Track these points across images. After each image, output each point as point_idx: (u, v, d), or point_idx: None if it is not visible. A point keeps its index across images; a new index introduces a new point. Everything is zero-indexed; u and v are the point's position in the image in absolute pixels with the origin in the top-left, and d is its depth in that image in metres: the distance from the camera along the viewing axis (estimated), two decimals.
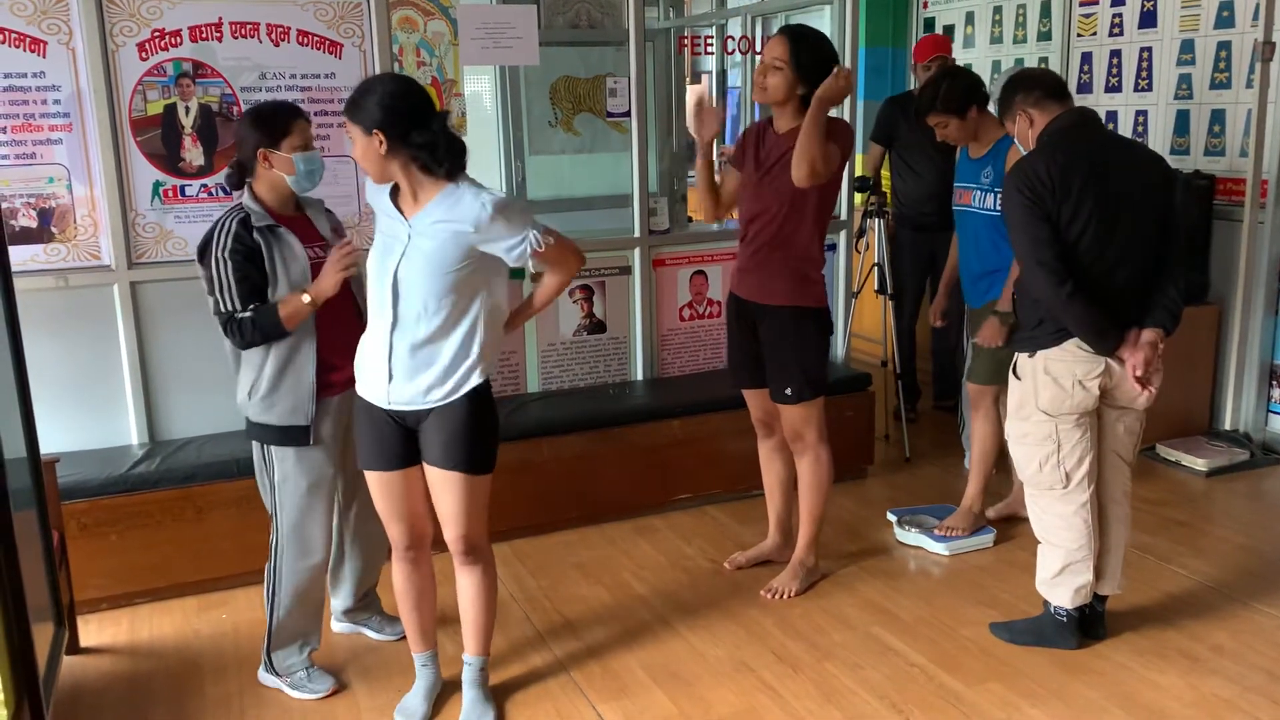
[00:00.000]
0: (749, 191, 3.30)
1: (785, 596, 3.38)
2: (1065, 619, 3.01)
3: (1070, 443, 2.87)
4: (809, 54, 3.06)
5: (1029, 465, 2.95)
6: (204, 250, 2.67)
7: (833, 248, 4.65)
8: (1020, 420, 2.95)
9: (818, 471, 3.37)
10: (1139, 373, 2.76)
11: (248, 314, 2.64)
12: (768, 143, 3.24)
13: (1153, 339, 2.77)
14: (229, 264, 2.63)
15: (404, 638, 2.99)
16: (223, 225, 2.66)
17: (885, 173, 5.13)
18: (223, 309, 2.65)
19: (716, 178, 3.43)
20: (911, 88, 5.10)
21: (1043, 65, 5.54)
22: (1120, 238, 2.76)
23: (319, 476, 2.80)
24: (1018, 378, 2.94)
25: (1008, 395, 3.04)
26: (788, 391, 3.28)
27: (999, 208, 3.50)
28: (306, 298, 2.65)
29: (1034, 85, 2.92)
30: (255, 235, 2.66)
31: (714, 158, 3.44)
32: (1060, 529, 2.95)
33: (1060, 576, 2.97)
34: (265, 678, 2.93)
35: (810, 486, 3.40)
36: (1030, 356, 2.89)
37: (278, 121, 2.72)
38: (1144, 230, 2.79)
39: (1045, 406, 2.86)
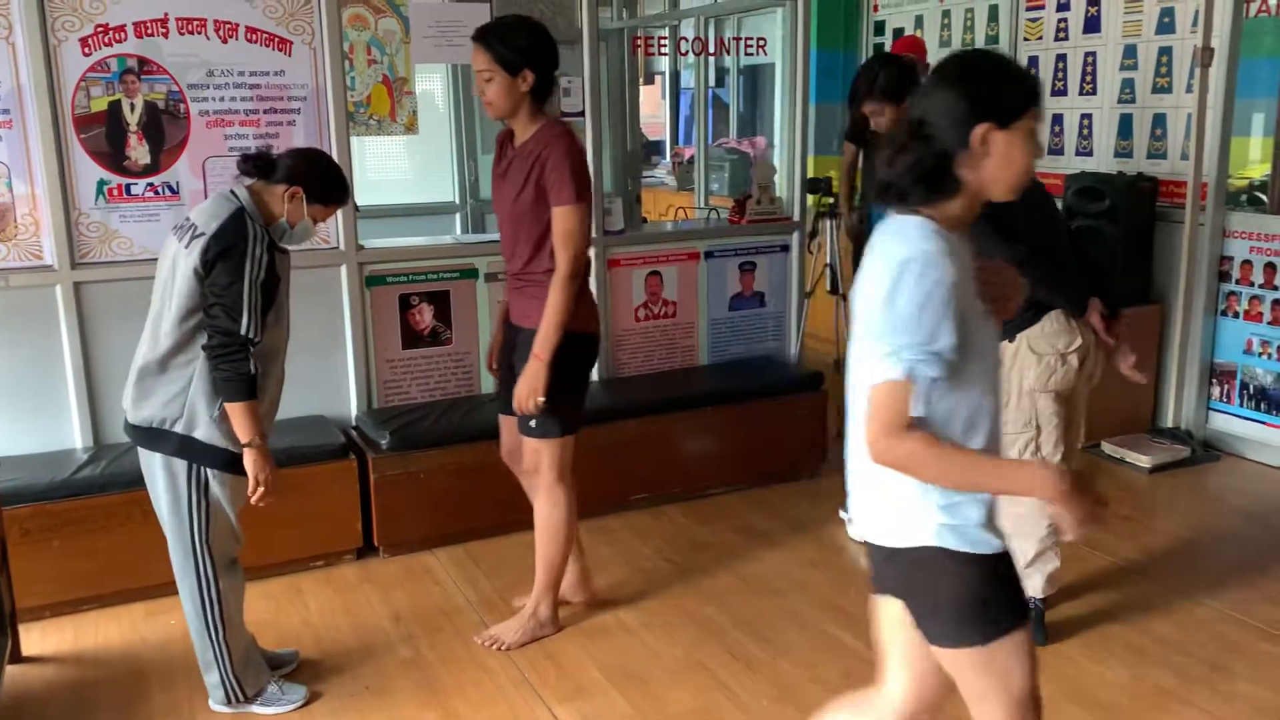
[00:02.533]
0: (495, 209, 3.08)
1: (502, 647, 3.08)
2: (1032, 611, 3.05)
3: (1049, 427, 2.94)
4: (507, 46, 2.77)
5: (1007, 455, 2.99)
6: (233, 258, 2.48)
7: (786, 248, 4.69)
8: None
9: (553, 515, 3.05)
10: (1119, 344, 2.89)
11: (254, 365, 2.52)
12: (506, 155, 2.96)
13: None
14: (261, 292, 2.51)
15: (297, 666, 2.97)
16: (254, 238, 2.51)
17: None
18: (245, 332, 2.50)
19: None
20: None
21: None
22: (1051, 231, 2.88)
23: (243, 500, 2.69)
24: None
25: None
26: (533, 424, 2.97)
27: None
28: (254, 442, 2.56)
29: None
30: (274, 253, 2.58)
31: None
32: (1033, 518, 2.99)
33: (1033, 566, 3.02)
34: (224, 709, 2.76)
35: (544, 530, 3.07)
36: (1011, 340, 2.94)
37: (336, 192, 2.70)
38: (1062, 229, 2.95)
39: (1031, 384, 2.92)
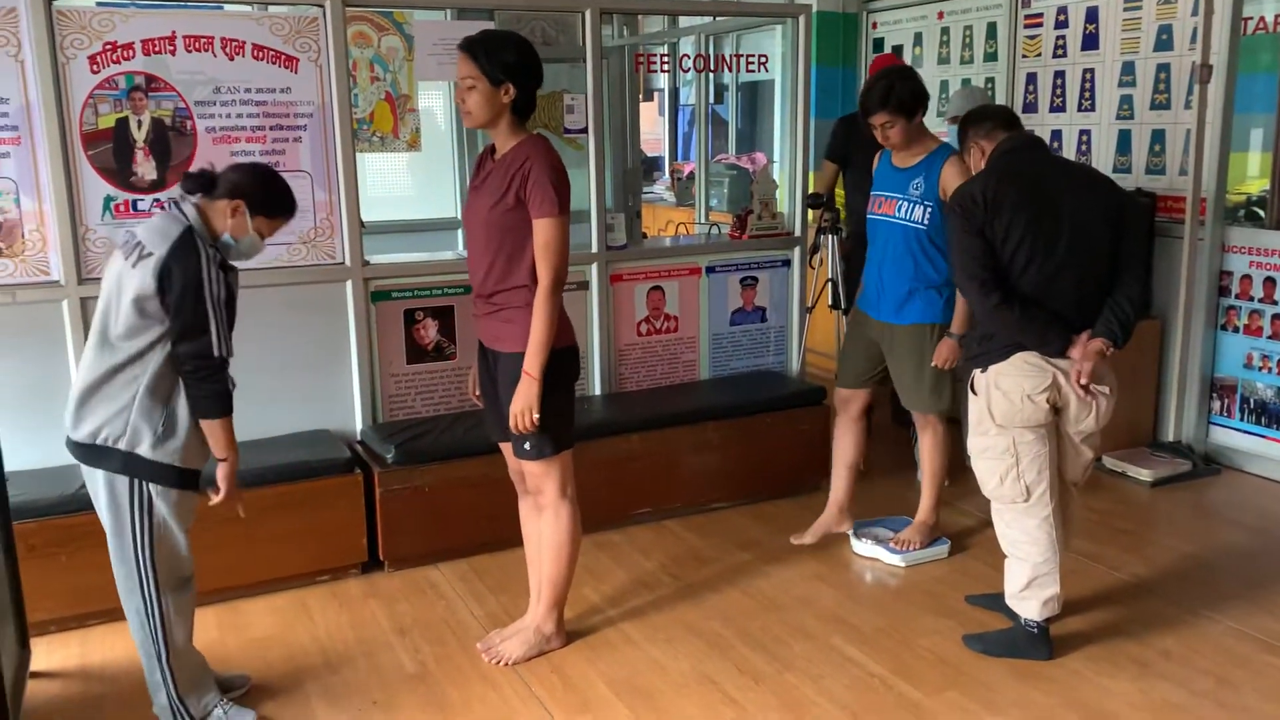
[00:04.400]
0: (465, 226, 3.08)
1: (504, 663, 3.09)
2: (1036, 630, 3.06)
3: (1029, 456, 2.94)
4: (497, 56, 2.78)
5: (990, 479, 3.01)
6: (190, 281, 2.49)
7: (787, 263, 4.71)
8: (979, 435, 3.01)
9: (557, 532, 3.05)
10: (1083, 380, 2.85)
11: (231, 381, 2.59)
12: (485, 168, 2.95)
13: (1099, 348, 2.86)
14: (225, 310, 2.54)
15: (247, 690, 2.93)
16: (206, 259, 2.51)
17: (840, 190, 5.19)
18: (218, 353, 2.53)
19: None
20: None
21: (989, 86, 5.67)
22: (1061, 252, 2.87)
23: (191, 518, 2.69)
24: (974, 393, 3.01)
25: (967, 411, 3.10)
26: (526, 446, 2.96)
27: (925, 221, 3.56)
28: (230, 458, 2.64)
29: (984, 118, 3.11)
30: (226, 271, 2.59)
31: None
32: (1025, 543, 3.01)
33: (1028, 589, 3.03)
34: None
35: (549, 548, 3.07)
36: (983, 372, 2.97)
37: (280, 205, 2.69)
38: (1089, 246, 2.89)
39: (999, 419, 2.94)
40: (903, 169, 3.65)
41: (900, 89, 3.47)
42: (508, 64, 2.79)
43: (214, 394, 2.56)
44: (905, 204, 3.61)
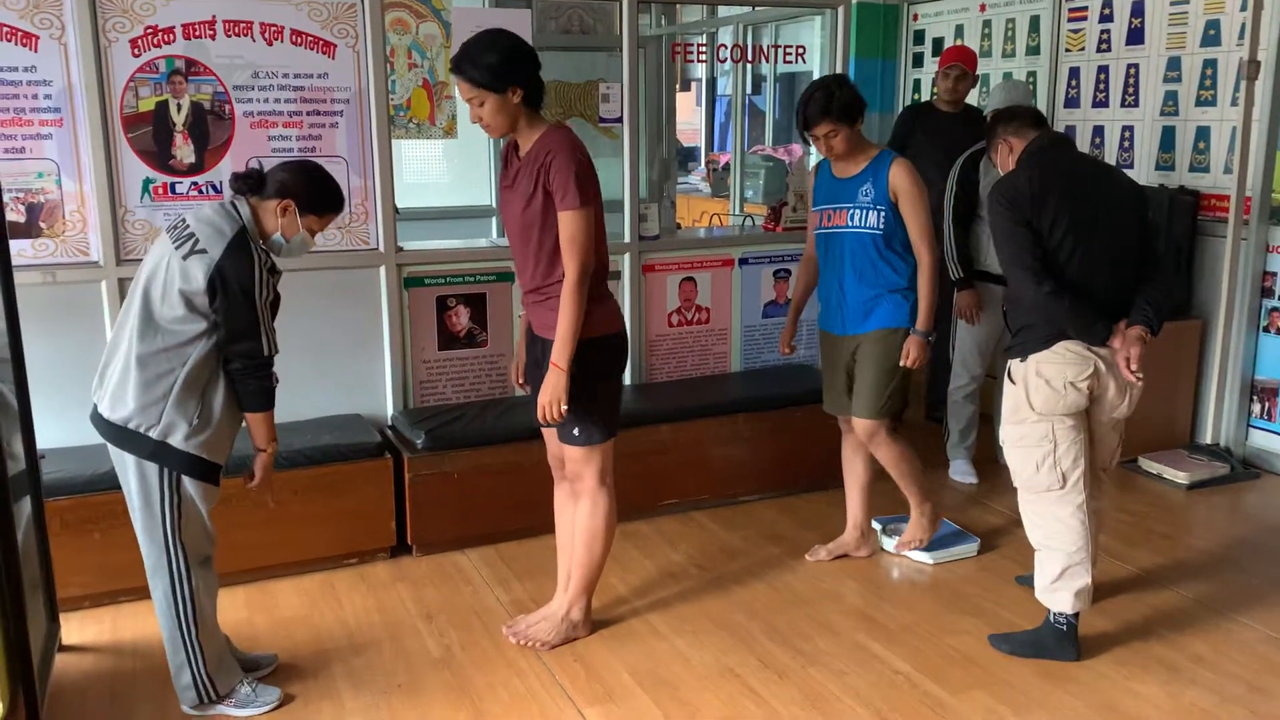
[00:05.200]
0: (504, 226, 3.07)
1: (535, 647, 3.11)
2: (1066, 627, 3.03)
3: (1066, 442, 2.94)
4: (488, 65, 2.72)
5: (1025, 468, 3.00)
6: (243, 286, 2.54)
7: None
8: (1015, 424, 3.00)
9: (594, 519, 3.05)
10: (1133, 366, 2.84)
11: (275, 377, 2.68)
12: (512, 166, 2.93)
13: (1139, 335, 2.86)
14: (270, 312, 2.62)
15: (274, 669, 2.96)
16: (258, 264, 2.57)
17: None
18: (267, 352, 2.61)
19: None
20: (930, 97, 5.23)
21: (1030, 80, 5.59)
22: (1097, 246, 2.89)
23: (214, 500, 2.72)
24: (1012, 382, 3.00)
25: (1002, 401, 3.07)
26: (575, 432, 2.97)
27: (880, 225, 3.45)
28: (270, 448, 2.74)
29: (1013, 117, 3.12)
30: (275, 273, 2.64)
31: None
32: (1058, 532, 2.99)
33: (1060, 581, 3.00)
34: (195, 712, 2.74)
35: (584, 535, 3.07)
36: (1022, 361, 2.97)
37: (328, 201, 2.73)
38: (1121, 241, 2.93)
39: (1040, 407, 2.94)
40: (846, 178, 3.49)
41: (840, 96, 3.32)
42: (499, 68, 2.74)
43: (261, 389, 2.65)
44: (858, 212, 3.46)
